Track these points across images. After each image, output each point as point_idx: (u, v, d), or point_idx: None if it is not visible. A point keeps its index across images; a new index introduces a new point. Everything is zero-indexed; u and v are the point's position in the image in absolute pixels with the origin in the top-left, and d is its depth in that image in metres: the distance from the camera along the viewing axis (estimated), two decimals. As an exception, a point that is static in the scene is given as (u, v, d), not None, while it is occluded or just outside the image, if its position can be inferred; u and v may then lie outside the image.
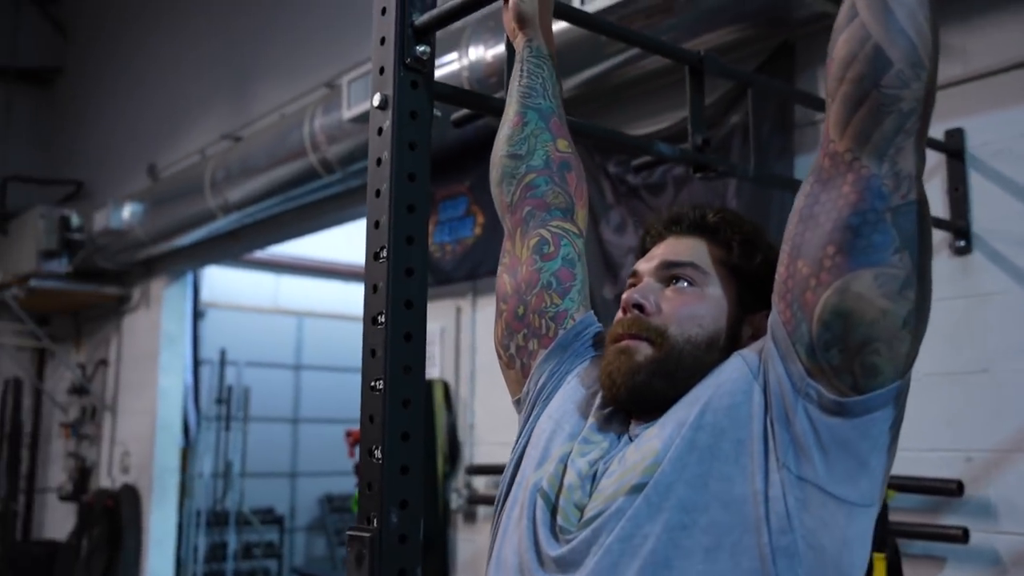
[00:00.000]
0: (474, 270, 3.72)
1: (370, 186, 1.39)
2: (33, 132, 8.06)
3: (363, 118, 3.60)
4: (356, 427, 4.53)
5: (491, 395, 3.69)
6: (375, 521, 1.31)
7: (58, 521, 6.98)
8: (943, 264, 2.36)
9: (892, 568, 2.04)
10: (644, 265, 1.19)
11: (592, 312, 1.30)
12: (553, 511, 1.08)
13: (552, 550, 1.04)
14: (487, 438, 3.69)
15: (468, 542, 3.68)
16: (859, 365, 0.93)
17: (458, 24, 3.52)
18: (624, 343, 1.11)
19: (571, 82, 3.04)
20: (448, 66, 3.29)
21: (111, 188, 6.55)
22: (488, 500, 3.62)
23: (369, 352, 1.36)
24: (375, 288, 1.36)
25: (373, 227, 1.38)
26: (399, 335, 1.34)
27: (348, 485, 7.92)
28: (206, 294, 7.50)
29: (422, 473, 1.36)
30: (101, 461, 6.67)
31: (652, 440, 1.04)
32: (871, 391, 0.94)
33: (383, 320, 1.34)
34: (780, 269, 1.00)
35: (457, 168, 3.79)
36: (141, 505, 6.09)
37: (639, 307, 1.12)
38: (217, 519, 7.36)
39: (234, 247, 5.55)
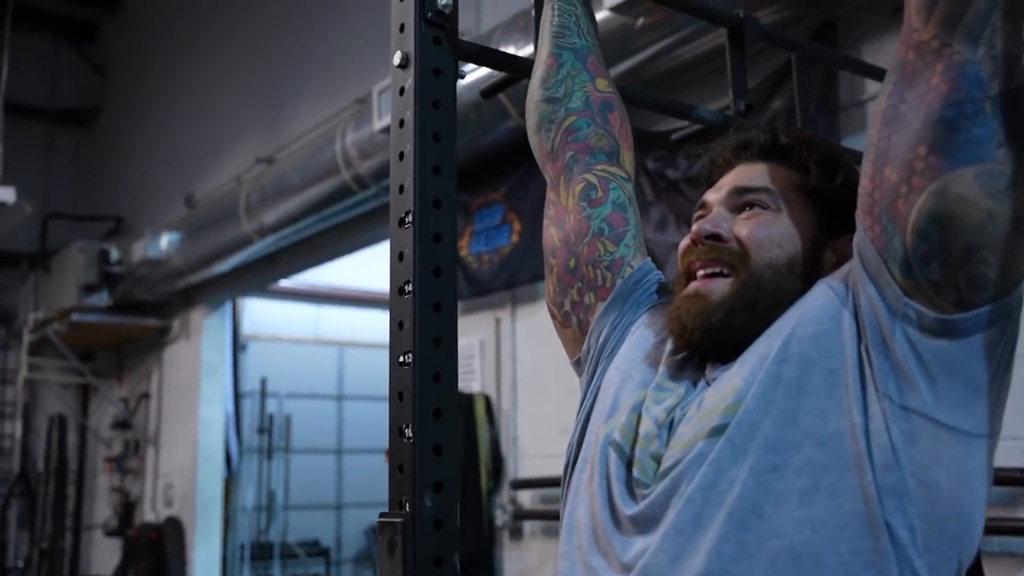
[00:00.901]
0: (512, 279, 3.63)
1: (393, 149, 1.31)
2: (74, 171, 8.16)
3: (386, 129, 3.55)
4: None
5: (535, 407, 3.58)
6: (407, 506, 1.22)
7: (104, 557, 6.95)
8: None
9: (971, 565, 1.89)
10: (713, 195, 1.08)
11: (650, 258, 1.20)
12: (628, 465, 0.97)
13: (628, 508, 0.94)
14: (532, 451, 3.58)
15: (515, 560, 3.56)
16: (964, 277, 0.83)
17: (488, 26, 3.47)
18: (695, 287, 1.01)
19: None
20: (479, 70, 3.22)
21: (150, 221, 6.58)
22: (535, 515, 3.50)
23: (397, 325, 1.27)
24: (400, 256, 1.27)
25: (397, 192, 1.29)
26: (428, 304, 1.25)
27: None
28: (247, 327, 7.49)
29: (458, 455, 1.26)
30: (145, 495, 6.64)
31: (732, 379, 0.93)
32: (980, 306, 0.83)
33: (411, 289, 1.25)
34: (864, 181, 0.89)
35: (491, 176, 3.72)
36: (185, 537, 6.04)
37: (715, 237, 1.02)
38: (262, 552, 7.28)
39: (271, 272, 5.52)
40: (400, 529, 1.20)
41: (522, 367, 3.67)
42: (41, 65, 8.07)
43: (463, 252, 3.84)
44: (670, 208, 2.96)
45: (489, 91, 1.60)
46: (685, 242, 1.06)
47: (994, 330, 0.84)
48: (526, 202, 3.56)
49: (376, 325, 8.39)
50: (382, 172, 3.85)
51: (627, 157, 1.24)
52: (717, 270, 1.00)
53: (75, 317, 6.18)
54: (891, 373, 0.85)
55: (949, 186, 0.81)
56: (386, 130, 3.54)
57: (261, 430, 7.39)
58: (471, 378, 3.85)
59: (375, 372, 8.41)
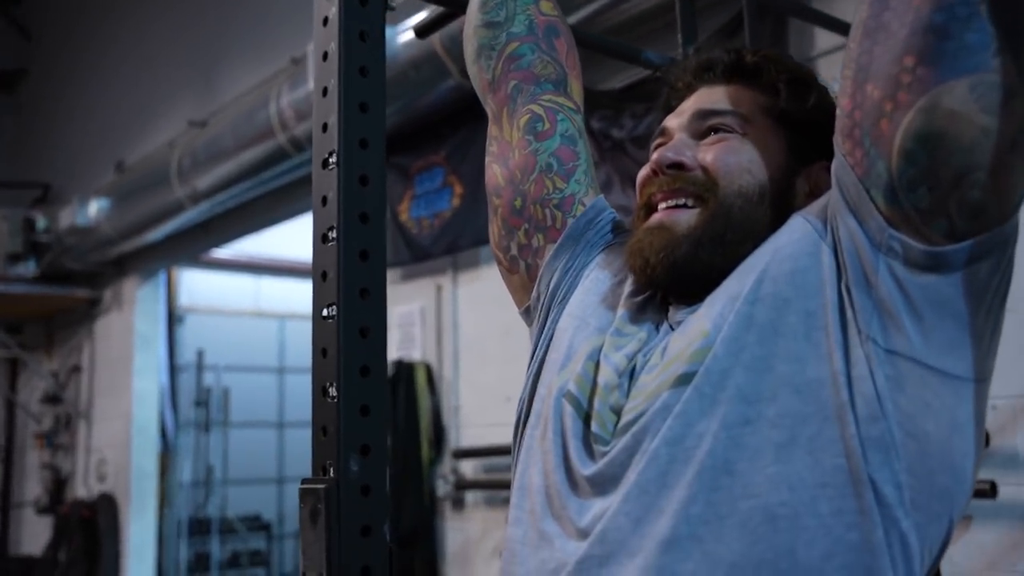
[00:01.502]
0: (453, 244, 3.53)
1: (316, 84, 1.20)
2: (-2, 136, 7.83)
3: (331, 87, 3.41)
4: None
5: (477, 375, 3.50)
6: (332, 471, 1.12)
7: (36, 536, 6.74)
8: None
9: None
10: (673, 120, 0.99)
11: (603, 196, 1.11)
12: (586, 419, 0.88)
13: (585, 468, 0.84)
14: (474, 420, 3.50)
15: (457, 531, 3.49)
16: (955, 204, 0.74)
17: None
18: (658, 219, 0.92)
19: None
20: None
21: (79, 189, 6.32)
22: (477, 485, 3.43)
23: (320, 275, 1.17)
24: (324, 200, 1.17)
25: (320, 131, 1.18)
26: (353, 253, 1.15)
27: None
28: (184, 299, 7.29)
29: (386, 416, 1.17)
30: (77, 471, 6.44)
31: (700, 321, 0.84)
32: (972, 236, 0.75)
33: (335, 236, 1.15)
34: (842, 100, 0.80)
35: (431, 138, 3.61)
36: (119, 514, 5.86)
37: (678, 165, 0.92)
38: (200, 527, 7.13)
39: (206, 240, 5.34)
40: (323, 496, 1.10)
41: (464, 335, 3.58)
42: (-38, 26, 7.72)
43: (402, 217, 3.73)
44: (615, 169, 2.87)
45: (424, 29, 1.50)
46: (644, 172, 0.97)
47: (988, 262, 0.76)
48: (468, 164, 3.45)
49: (317, 297, 8.21)
50: (319, 134, 3.70)
51: (575, 86, 1.15)
52: (682, 201, 0.91)
53: (-1, 288, 5.94)
54: (875, 313, 0.77)
55: (940, 100, 0.72)
56: (322, 89, 3.41)
57: (198, 403, 7.21)
58: (412, 346, 3.75)
59: (317, 344, 8.24)
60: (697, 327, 0.84)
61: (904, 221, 0.76)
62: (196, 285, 7.60)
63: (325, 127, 1.18)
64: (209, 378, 7.36)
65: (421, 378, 3.60)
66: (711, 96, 0.97)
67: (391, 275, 3.94)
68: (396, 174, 3.70)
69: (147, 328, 6.03)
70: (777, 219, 0.89)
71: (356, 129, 1.17)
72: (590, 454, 0.86)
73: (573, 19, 2.78)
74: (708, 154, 0.92)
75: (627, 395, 0.86)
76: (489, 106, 1.16)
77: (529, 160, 1.08)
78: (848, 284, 0.78)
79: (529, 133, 1.08)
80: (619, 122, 2.87)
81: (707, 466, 0.76)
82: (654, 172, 0.95)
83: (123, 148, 5.92)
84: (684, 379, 0.80)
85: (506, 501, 3.27)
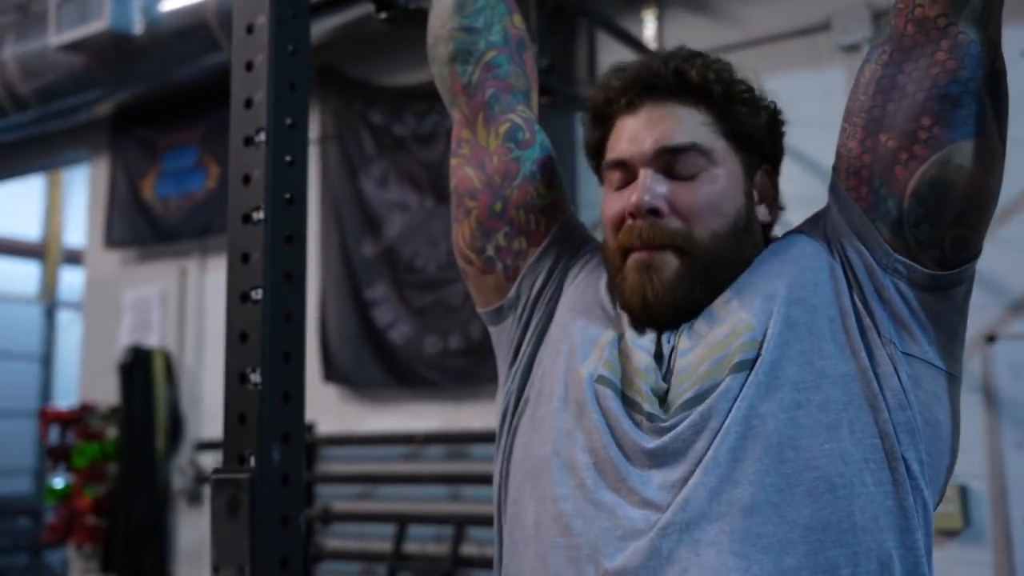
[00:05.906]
0: (205, 227, 3.36)
1: (236, 57, 1.16)
2: None
3: (76, 46, 3.13)
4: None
5: (222, 364, 3.35)
6: (252, 460, 1.09)
7: None
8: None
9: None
10: (631, 148, 1.02)
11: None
12: (624, 398, 0.96)
13: (645, 442, 0.92)
14: (217, 411, 3.34)
15: (193, 527, 3.32)
16: (950, 239, 0.92)
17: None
18: (644, 256, 0.98)
19: (319, 27, 2.81)
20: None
21: None
22: (219, 479, 3.29)
23: (240, 257, 1.12)
24: (247, 179, 1.13)
25: (243, 107, 1.14)
26: (280, 235, 1.13)
27: (19, 485, 6.92)
28: None
29: (304, 405, 1.15)
30: None
31: (739, 312, 0.96)
32: (959, 265, 0.94)
33: (261, 218, 1.11)
34: (851, 144, 0.95)
35: (187, 114, 3.41)
36: None
37: (654, 211, 0.98)
38: None
39: None
40: (246, 486, 1.06)
41: (211, 321, 3.42)
42: None
43: (146, 194, 3.49)
44: (394, 165, 2.90)
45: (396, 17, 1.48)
46: (616, 212, 1.01)
47: (964, 287, 0.96)
48: (226, 147, 3.30)
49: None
50: (51, 94, 3.37)
51: (535, 100, 1.20)
52: (664, 247, 0.99)
53: None
54: (891, 322, 0.93)
55: (952, 156, 0.90)
56: (66, 48, 3.11)
57: None
58: (147, 332, 3.51)
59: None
60: (737, 318, 0.95)
61: (905, 249, 0.94)
62: None
63: (249, 103, 1.14)
64: None
65: (159, 366, 3.38)
66: (667, 125, 1.01)
67: (125, 255, 3.67)
68: (142, 149, 3.47)
69: None
70: (748, 239, 1.02)
71: (285, 108, 1.14)
72: (642, 429, 0.94)
73: (353, 14, 2.76)
74: (683, 202, 0.99)
75: (663, 377, 0.95)
76: (460, 109, 1.15)
77: (511, 167, 1.11)
78: (864, 296, 0.95)
79: (510, 141, 1.12)
80: (401, 118, 2.91)
81: (774, 443, 0.89)
82: (632, 216, 1.00)
83: None
84: (742, 366, 0.92)
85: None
